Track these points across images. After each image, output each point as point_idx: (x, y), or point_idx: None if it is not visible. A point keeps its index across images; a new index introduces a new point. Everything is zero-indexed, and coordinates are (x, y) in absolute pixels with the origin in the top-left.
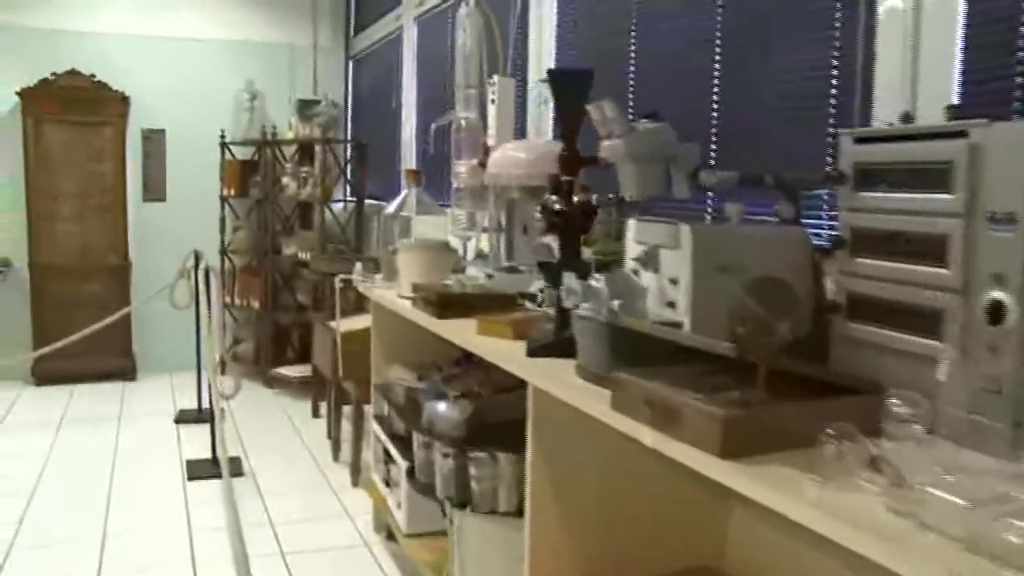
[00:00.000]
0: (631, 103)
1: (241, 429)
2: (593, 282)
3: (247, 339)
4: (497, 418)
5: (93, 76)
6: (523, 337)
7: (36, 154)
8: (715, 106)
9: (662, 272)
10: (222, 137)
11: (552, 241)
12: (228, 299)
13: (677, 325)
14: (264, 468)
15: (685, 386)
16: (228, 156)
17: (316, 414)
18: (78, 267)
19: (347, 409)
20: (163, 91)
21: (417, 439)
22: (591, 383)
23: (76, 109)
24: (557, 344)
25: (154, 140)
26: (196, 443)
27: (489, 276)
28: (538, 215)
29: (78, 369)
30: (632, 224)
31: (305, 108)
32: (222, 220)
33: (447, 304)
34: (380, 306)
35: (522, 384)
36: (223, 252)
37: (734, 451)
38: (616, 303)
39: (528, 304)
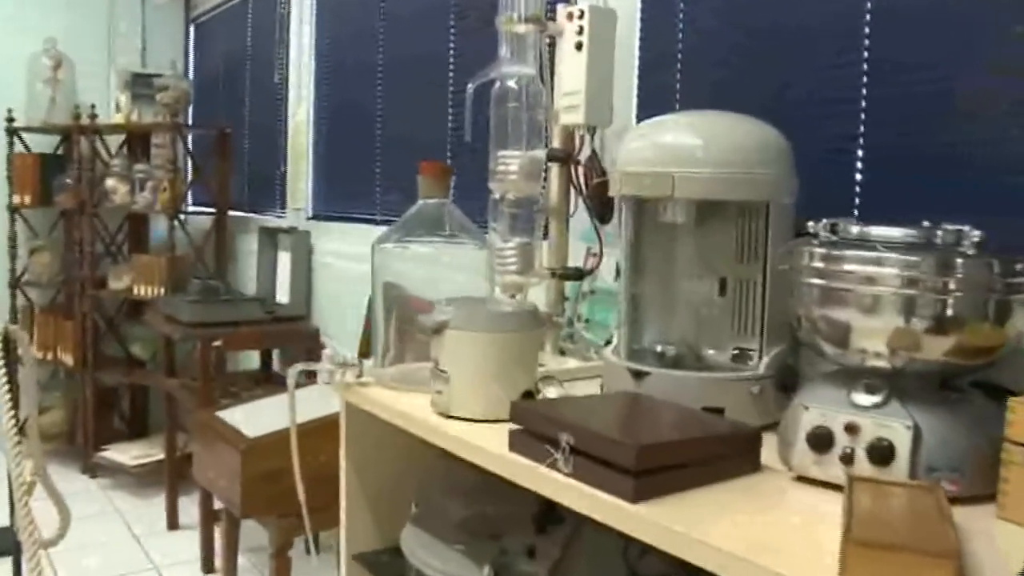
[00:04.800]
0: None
1: (58, 560)
2: None
3: (55, 407)
4: None
5: None
6: None
7: None
8: None
9: None
10: (10, 120)
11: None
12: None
13: None
14: None
15: None
16: (20, 148)
17: (174, 524)
18: None
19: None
20: None
21: None
22: None
23: None
24: None
25: None
26: None
27: (638, 375)
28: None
29: None
30: None
31: (140, 82)
32: (12, 239)
33: (660, 467)
34: (359, 414)
35: None
36: (14, 285)
37: None
38: None
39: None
